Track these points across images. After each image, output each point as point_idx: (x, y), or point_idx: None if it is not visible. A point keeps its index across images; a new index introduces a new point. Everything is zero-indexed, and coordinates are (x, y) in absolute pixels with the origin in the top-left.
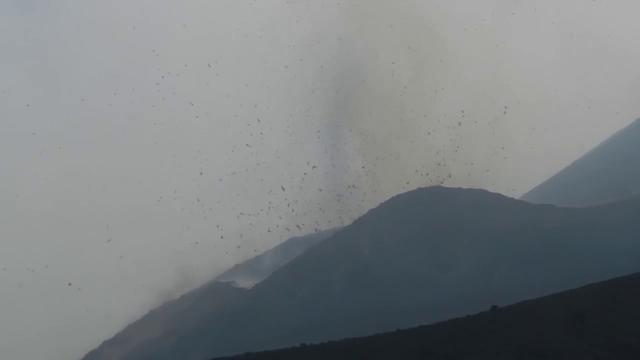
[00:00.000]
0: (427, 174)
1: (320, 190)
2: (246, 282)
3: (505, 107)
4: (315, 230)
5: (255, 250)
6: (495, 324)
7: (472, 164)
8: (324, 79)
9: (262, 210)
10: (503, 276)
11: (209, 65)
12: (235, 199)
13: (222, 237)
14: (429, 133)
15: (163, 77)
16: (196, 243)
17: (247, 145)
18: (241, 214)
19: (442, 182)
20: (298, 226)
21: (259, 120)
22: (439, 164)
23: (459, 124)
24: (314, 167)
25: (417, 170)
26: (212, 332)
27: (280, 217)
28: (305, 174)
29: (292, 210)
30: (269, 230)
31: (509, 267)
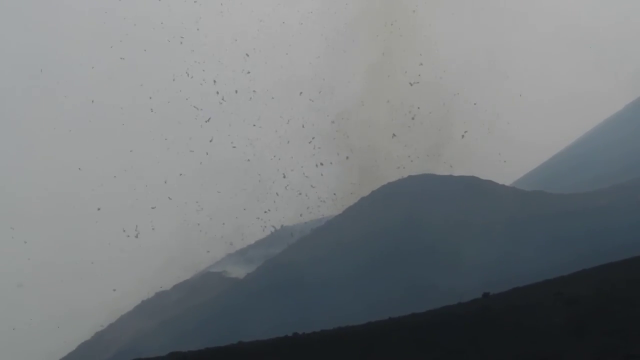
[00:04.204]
0: (418, 158)
1: (310, 180)
2: (238, 272)
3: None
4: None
5: (246, 240)
6: (488, 311)
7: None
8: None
9: (254, 200)
10: (496, 262)
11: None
12: (228, 189)
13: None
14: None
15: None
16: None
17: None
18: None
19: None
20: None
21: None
22: (429, 155)
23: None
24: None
25: (409, 156)
26: (204, 322)
27: (271, 207)
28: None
29: (281, 199)
30: (258, 218)
31: (501, 253)
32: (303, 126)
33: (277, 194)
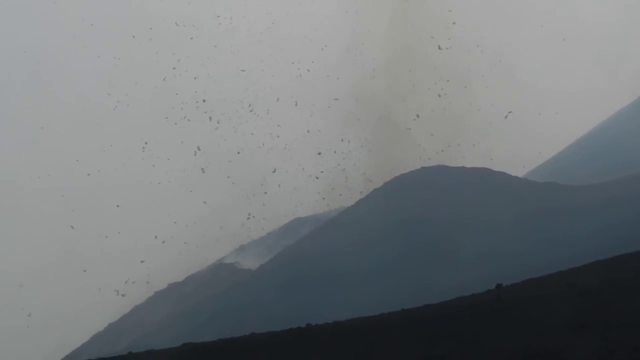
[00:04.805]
0: (449, 147)
1: (323, 171)
2: (251, 263)
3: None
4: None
5: (263, 229)
6: (500, 302)
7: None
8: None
9: (268, 190)
10: (508, 254)
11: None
12: (239, 180)
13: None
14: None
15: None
16: (196, 223)
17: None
18: (253, 193)
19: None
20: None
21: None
22: (448, 146)
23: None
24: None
25: (439, 150)
26: (217, 313)
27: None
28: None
29: (296, 189)
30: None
31: (514, 245)
32: (296, 104)
33: (265, 192)
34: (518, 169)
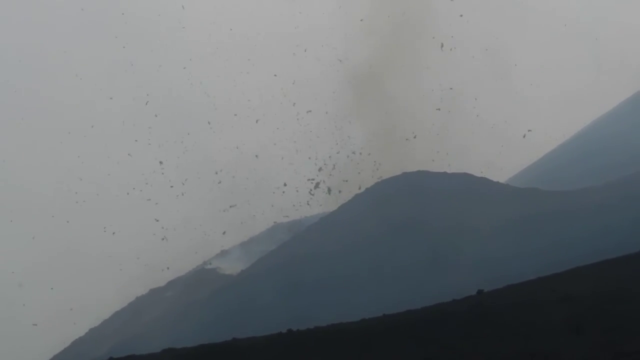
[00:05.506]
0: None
1: (309, 177)
2: (232, 268)
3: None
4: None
5: (245, 234)
6: (481, 307)
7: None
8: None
9: (249, 196)
10: (490, 260)
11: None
12: (222, 184)
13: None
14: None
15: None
16: (178, 228)
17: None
18: (231, 205)
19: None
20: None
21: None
22: (437, 152)
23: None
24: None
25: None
26: (198, 318)
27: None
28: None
29: (280, 193)
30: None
31: (495, 251)
32: (284, 95)
33: (248, 197)
34: (500, 174)
